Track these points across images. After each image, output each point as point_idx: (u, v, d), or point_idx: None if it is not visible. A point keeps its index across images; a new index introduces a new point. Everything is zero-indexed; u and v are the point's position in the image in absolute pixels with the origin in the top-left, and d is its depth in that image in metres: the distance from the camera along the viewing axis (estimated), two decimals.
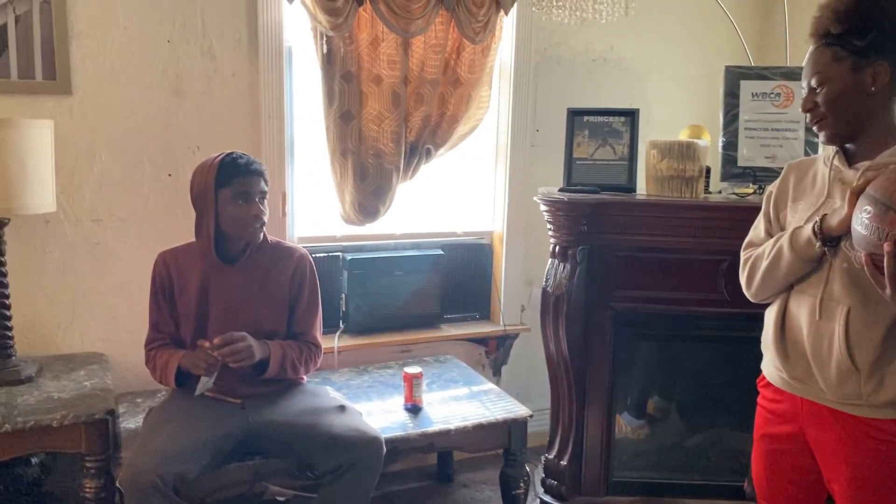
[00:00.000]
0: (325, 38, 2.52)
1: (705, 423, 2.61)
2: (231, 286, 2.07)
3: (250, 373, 2.05)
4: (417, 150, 2.75)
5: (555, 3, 2.31)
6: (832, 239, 1.42)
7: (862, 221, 1.27)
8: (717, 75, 2.55)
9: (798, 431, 1.53)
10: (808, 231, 1.45)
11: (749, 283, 1.61)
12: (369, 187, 2.66)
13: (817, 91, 1.46)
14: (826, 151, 1.54)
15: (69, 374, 2.21)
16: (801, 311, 1.49)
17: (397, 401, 2.43)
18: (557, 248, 2.42)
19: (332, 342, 2.71)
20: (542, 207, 2.44)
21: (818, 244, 1.43)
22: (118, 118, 2.39)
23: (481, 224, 3.12)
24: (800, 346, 1.50)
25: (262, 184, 2.03)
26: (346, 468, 1.94)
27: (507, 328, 3.08)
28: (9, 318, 2.15)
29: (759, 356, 1.65)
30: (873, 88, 1.41)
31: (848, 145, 1.49)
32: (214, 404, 2.04)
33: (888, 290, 1.24)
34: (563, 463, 2.48)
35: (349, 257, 2.80)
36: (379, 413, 2.33)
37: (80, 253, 2.40)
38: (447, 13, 2.63)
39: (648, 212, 2.33)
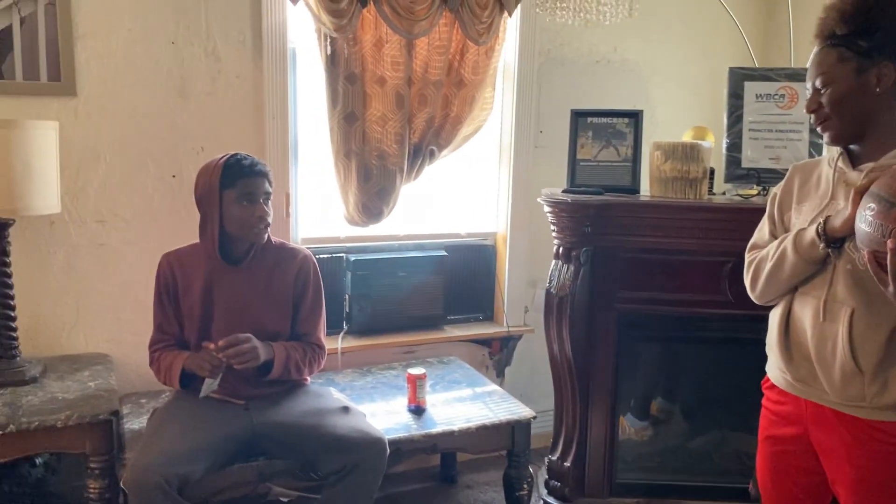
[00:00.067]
0: (328, 40, 2.52)
1: (709, 424, 2.61)
2: (235, 287, 2.07)
3: (254, 374, 2.05)
4: (421, 152, 2.75)
5: (558, 5, 2.31)
6: (836, 240, 1.41)
7: (865, 219, 1.27)
8: (721, 76, 2.55)
9: (802, 433, 1.53)
10: (811, 232, 1.44)
11: (753, 285, 1.61)
12: (373, 188, 2.66)
13: (822, 92, 1.46)
14: (830, 153, 1.54)
15: (73, 375, 2.22)
16: (805, 312, 1.49)
17: (401, 402, 2.43)
18: (561, 249, 2.42)
19: (335, 343, 2.71)
20: (546, 209, 2.44)
21: (822, 245, 1.42)
22: (123, 119, 2.39)
23: (485, 225, 3.12)
24: (804, 348, 1.50)
25: (267, 185, 2.04)
26: (350, 469, 1.94)
27: (511, 329, 3.08)
28: (13, 319, 2.16)
29: (764, 358, 1.64)
30: (878, 90, 1.41)
31: (852, 146, 1.49)
32: (218, 405, 2.04)
33: (891, 288, 1.24)
34: (567, 464, 2.48)
35: (353, 258, 2.81)
36: (382, 414, 2.33)
37: (85, 254, 2.41)
38: (451, 15, 2.63)
39: (652, 213, 2.32)
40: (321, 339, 2.20)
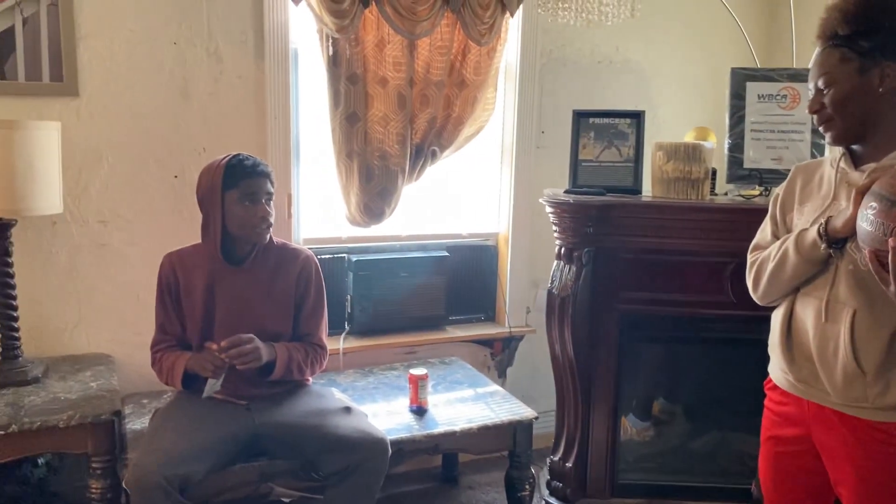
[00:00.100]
0: (330, 40, 2.52)
1: (711, 425, 2.60)
2: (237, 288, 2.07)
3: (256, 374, 2.05)
4: (423, 152, 2.75)
5: (560, 5, 2.31)
6: (838, 241, 1.41)
7: (867, 218, 1.27)
8: (723, 77, 2.55)
9: (805, 434, 1.53)
10: (813, 233, 1.44)
11: (755, 286, 1.61)
12: (375, 189, 2.66)
13: (824, 92, 1.46)
14: (832, 153, 1.54)
15: (76, 375, 2.22)
16: (807, 313, 1.49)
17: (402, 402, 2.43)
18: (563, 249, 2.42)
19: (337, 343, 2.71)
20: (548, 209, 2.44)
21: (823, 246, 1.42)
22: (125, 120, 2.40)
23: (486, 226, 3.12)
24: (806, 349, 1.49)
25: (269, 185, 2.04)
26: (352, 469, 1.94)
27: (513, 330, 3.08)
28: (16, 319, 2.16)
29: (766, 358, 1.64)
30: (881, 90, 1.41)
31: (854, 147, 1.49)
32: (220, 406, 2.04)
33: (892, 287, 1.24)
34: (569, 465, 2.48)
35: (355, 259, 2.81)
36: (384, 414, 2.33)
37: (87, 254, 2.41)
38: (453, 15, 2.63)
39: (654, 214, 2.32)
40: (323, 339, 2.20)
